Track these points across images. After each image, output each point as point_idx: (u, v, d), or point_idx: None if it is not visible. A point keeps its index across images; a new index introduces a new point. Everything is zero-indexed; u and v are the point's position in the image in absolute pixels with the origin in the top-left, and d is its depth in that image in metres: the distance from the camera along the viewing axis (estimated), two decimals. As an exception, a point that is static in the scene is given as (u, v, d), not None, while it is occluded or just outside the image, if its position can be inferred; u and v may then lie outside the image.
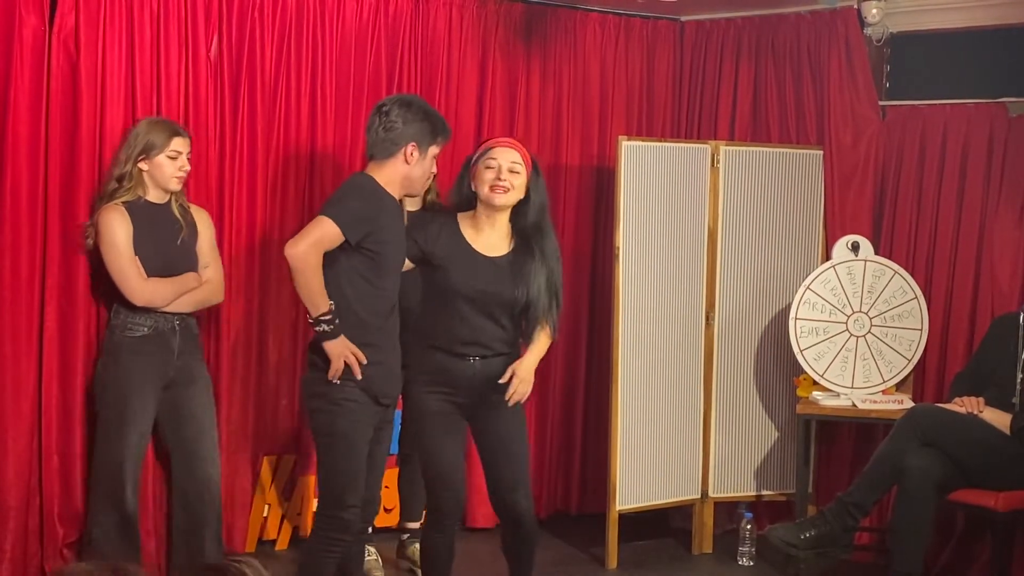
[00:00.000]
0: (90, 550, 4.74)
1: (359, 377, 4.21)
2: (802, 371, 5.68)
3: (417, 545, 4.93)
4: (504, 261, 4.39)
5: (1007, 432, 5.05)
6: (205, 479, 4.82)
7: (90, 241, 4.74)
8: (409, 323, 4.52)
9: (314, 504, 5.53)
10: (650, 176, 5.71)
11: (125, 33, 4.97)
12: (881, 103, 5.95)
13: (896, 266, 5.67)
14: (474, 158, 4.44)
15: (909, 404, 5.45)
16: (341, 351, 4.19)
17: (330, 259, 4.18)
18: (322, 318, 4.17)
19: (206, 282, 4.82)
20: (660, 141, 5.89)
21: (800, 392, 5.68)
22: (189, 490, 4.81)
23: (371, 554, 5.22)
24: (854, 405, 5.53)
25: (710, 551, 5.92)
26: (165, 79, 5.05)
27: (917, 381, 5.74)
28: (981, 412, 5.10)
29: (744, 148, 5.93)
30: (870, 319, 5.66)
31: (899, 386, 5.66)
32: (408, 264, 4.42)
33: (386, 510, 5.65)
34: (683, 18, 6.38)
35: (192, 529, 4.82)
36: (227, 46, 5.22)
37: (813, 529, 5.13)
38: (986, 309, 5.60)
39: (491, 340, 4.38)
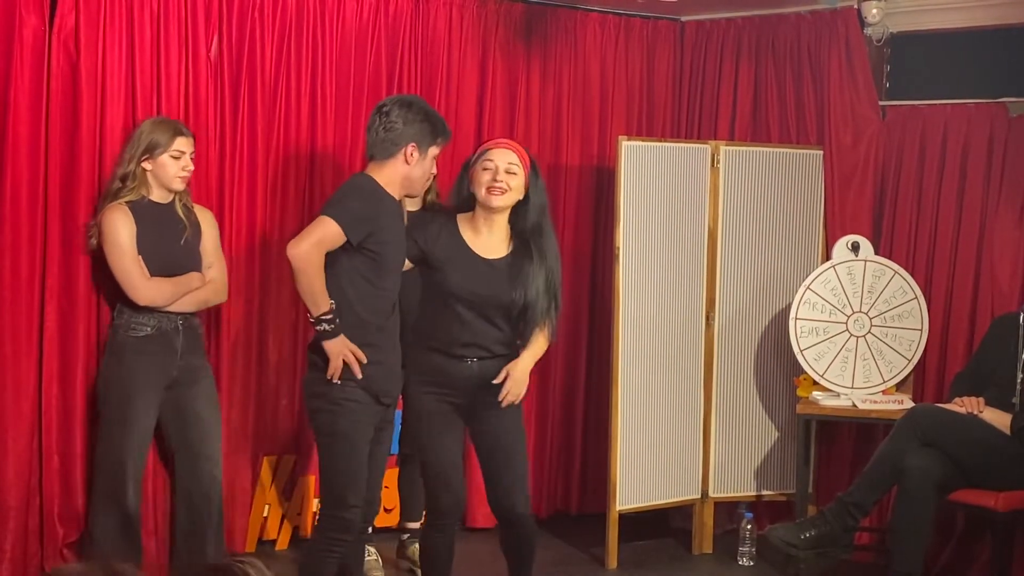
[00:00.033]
0: (90, 549, 4.75)
1: (359, 376, 4.21)
2: (802, 371, 5.68)
3: (417, 545, 4.93)
4: (502, 264, 4.39)
5: (1007, 432, 5.05)
6: (210, 479, 4.82)
7: (94, 240, 4.74)
8: (408, 323, 4.52)
9: (314, 504, 5.54)
10: (650, 176, 5.71)
11: (125, 33, 4.97)
12: (881, 103, 5.95)
13: (896, 266, 5.67)
14: (472, 160, 4.44)
15: (909, 404, 5.45)
16: (340, 350, 4.19)
17: (331, 260, 4.18)
18: (323, 317, 4.17)
19: (209, 282, 4.83)
20: (660, 141, 5.89)
21: (800, 392, 5.68)
22: (193, 490, 4.81)
23: (371, 554, 5.22)
24: (854, 405, 5.53)
25: (710, 551, 5.92)
26: (165, 79, 5.05)
27: (917, 381, 5.74)
28: (981, 412, 5.10)
29: (744, 148, 5.93)
30: (870, 319, 5.66)
31: (899, 386, 5.66)
32: (408, 264, 4.42)
33: (386, 510, 5.65)
34: (683, 18, 6.39)
35: (195, 529, 4.82)
36: (227, 46, 5.22)
37: (813, 529, 5.13)
38: (986, 309, 5.60)
39: (488, 342, 4.38)
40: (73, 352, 4.89)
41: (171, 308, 4.70)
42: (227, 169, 5.26)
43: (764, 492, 5.98)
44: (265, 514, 5.53)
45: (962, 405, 5.13)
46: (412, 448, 4.96)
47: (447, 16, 5.85)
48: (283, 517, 5.59)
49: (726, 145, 5.90)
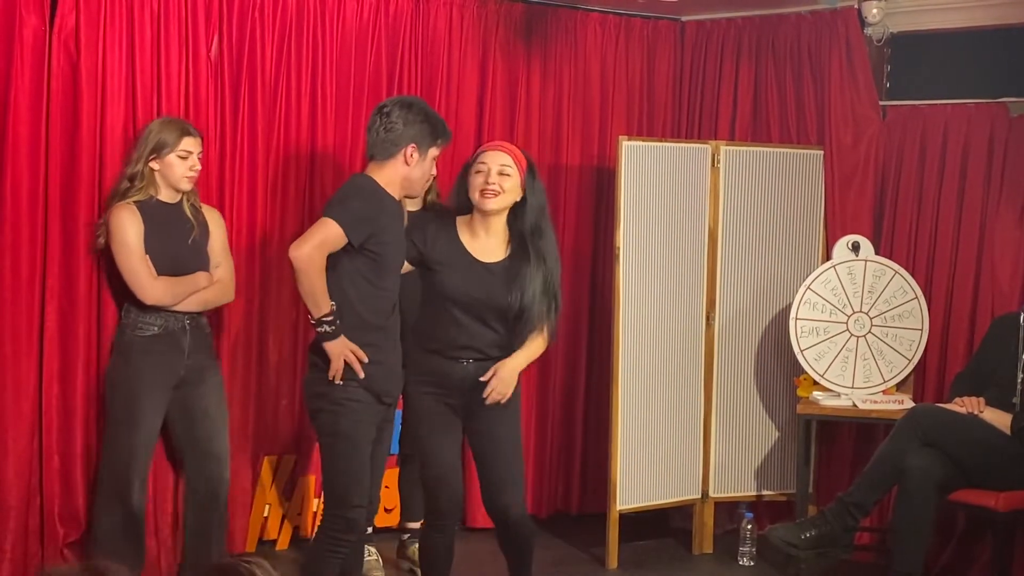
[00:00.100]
0: (92, 549, 4.75)
1: (361, 376, 4.22)
2: (802, 371, 5.68)
3: (417, 545, 4.93)
4: (499, 267, 4.39)
5: (1007, 432, 5.05)
6: (218, 478, 4.82)
7: (101, 240, 4.75)
8: (408, 324, 4.52)
9: (315, 504, 5.54)
10: (650, 176, 5.71)
11: (125, 33, 4.96)
12: (881, 103, 5.95)
13: (896, 266, 5.67)
14: (468, 163, 4.45)
15: (909, 404, 5.45)
16: (341, 351, 4.20)
17: (333, 261, 4.19)
18: (324, 319, 4.18)
19: (216, 281, 4.83)
20: (660, 141, 5.89)
21: (800, 392, 5.68)
22: (201, 489, 4.81)
23: (371, 554, 5.22)
24: (854, 405, 5.53)
25: (710, 551, 5.92)
26: (165, 79, 5.05)
27: (917, 381, 5.74)
28: (982, 412, 5.10)
29: (744, 148, 5.94)
30: (870, 319, 5.66)
31: (899, 386, 5.66)
32: (407, 266, 4.42)
33: (386, 510, 5.66)
34: (683, 18, 6.39)
35: (202, 529, 4.82)
36: (227, 46, 5.22)
37: (813, 529, 5.13)
38: (986, 309, 5.60)
39: (485, 345, 4.39)
40: (73, 352, 4.89)
41: (178, 308, 4.70)
42: (227, 169, 5.26)
43: (764, 492, 5.98)
44: (265, 514, 5.53)
45: (962, 405, 5.13)
46: (412, 448, 4.96)
47: (447, 16, 5.85)
48: (283, 517, 5.59)
49: (726, 145, 5.90)
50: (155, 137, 4.68)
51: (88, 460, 4.94)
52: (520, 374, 4.46)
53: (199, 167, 4.76)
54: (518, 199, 4.40)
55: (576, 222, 6.23)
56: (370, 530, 5.08)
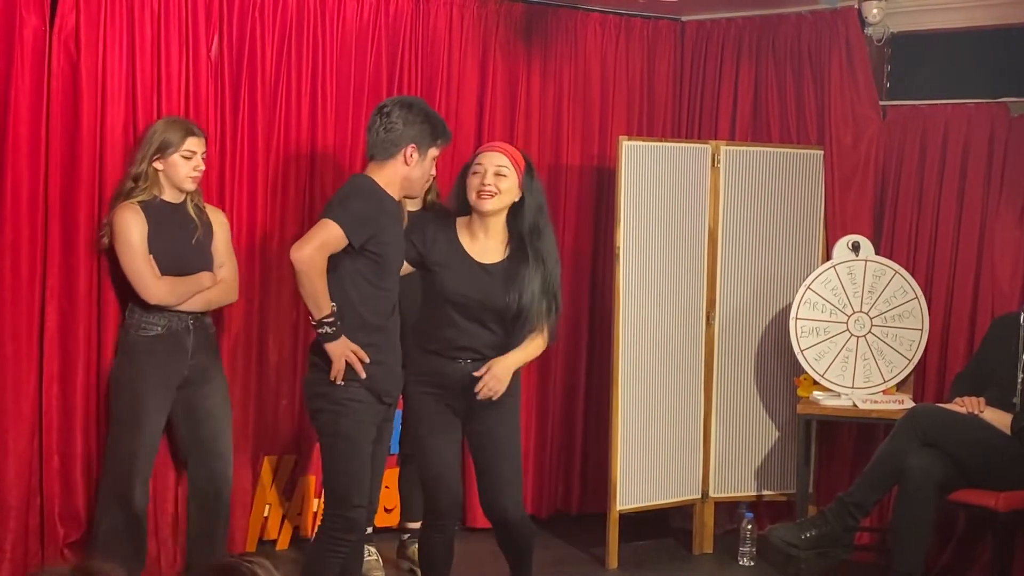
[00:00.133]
0: (93, 548, 4.75)
1: (363, 376, 4.22)
2: (802, 371, 5.68)
3: (417, 545, 4.93)
4: (498, 268, 4.39)
5: (1008, 432, 5.05)
6: (222, 478, 4.83)
7: (105, 240, 4.75)
8: (408, 324, 4.52)
9: (315, 504, 5.54)
10: (650, 176, 5.71)
11: (126, 33, 4.97)
12: (882, 103, 5.95)
13: (896, 266, 5.67)
14: (467, 165, 4.45)
15: (910, 404, 5.45)
16: (342, 352, 4.20)
17: (334, 262, 4.19)
18: (325, 320, 4.18)
19: (220, 281, 4.83)
20: (660, 141, 5.89)
21: (800, 392, 5.68)
22: (207, 489, 4.81)
23: (371, 554, 5.22)
24: (855, 405, 5.53)
25: (711, 551, 5.92)
26: (166, 79, 5.05)
27: (918, 381, 5.74)
28: (982, 412, 5.10)
29: (744, 148, 5.94)
30: (871, 319, 5.66)
31: (900, 386, 5.66)
32: (407, 267, 4.42)
33: (386, 510, 5.66)
34: (684, 18, 6.39)
35: (206, 529, 4.82)
36: (227, 46, 5.22)
37: (814, 529, 5.13)
38: (986, 309, 5.60)
39: (482, 345, 4.39)
40: (73, 352, 4.89)
41: (182, 308, 4.70)
42: (227, 169, 5.26)
43: (764, 492, 5.98)
44: (265, 514, 5.52)
45: (963, 405, 5.13)
46: (412, 448, 4.96)
47: (447, 16, 5.85)
48: (283, 517, 5.59)
49: (726, 145, 5.90)
50: (159, 137, 4.68)
51: (88, 460, 4.94)
52: (521, 375, 4.46)
53: (203, 167, 4.77)
54: (516, 199, 4.40)
55: (576, 222, 6.23)
56: (370, 530, 5.08)
